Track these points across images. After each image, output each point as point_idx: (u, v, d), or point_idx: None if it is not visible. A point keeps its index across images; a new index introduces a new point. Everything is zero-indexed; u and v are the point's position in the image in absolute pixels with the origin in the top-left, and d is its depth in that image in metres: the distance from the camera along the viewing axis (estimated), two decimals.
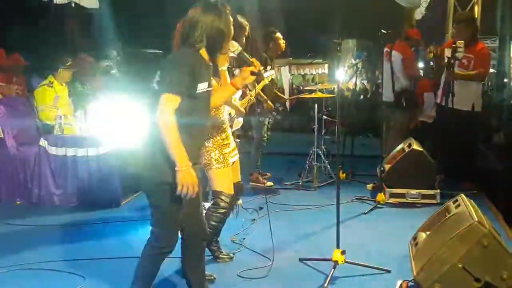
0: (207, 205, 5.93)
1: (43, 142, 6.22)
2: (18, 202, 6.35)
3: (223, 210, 4.23)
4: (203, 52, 3.25)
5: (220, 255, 4.64)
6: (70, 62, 7.12)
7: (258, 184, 7.29)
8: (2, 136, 6.36)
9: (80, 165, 6.17)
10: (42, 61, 7.90)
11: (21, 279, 4.28)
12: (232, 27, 3.31)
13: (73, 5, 10.24)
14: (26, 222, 5.68)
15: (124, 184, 6.25)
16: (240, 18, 5.71)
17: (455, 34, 7.09)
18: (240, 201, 6.25)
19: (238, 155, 4.49)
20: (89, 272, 4.33)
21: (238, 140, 5.95)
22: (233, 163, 4.38)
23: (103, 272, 4.35)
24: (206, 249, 4.43)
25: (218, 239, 4.66)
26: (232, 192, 4.29)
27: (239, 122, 5.52)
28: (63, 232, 5.48)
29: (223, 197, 4.21)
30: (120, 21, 11.51)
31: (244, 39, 5.81)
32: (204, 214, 3.64)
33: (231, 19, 3.30)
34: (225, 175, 4.25)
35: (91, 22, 11.83)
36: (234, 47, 3.37)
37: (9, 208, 6.22)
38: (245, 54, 3.69)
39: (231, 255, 4.69)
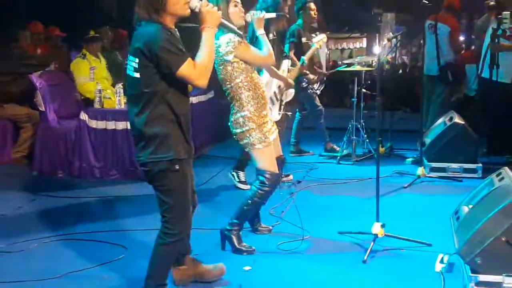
0: (241, 174, 5.98)
1: (83, 116, 6.29)
2: (60, 175, 6.47)
3: (267, 188, 4.19)
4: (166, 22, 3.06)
5: (259, 227, 4.65)
6: (93, 33, 7.15)
7: (335, 154, 7.33)
8: (43, 109, 6.46)
9: (120, 138, 6.24)
10: (77, 35, 7.99)
11: (64, 248, 4.38)
12: None
13: None
14: (67, 194, 5.78)
15: None
16: None
17: (502, 3, 6.86)
18: (291, 176, 6.29)
19: (277, 131, 4.43)
20: (130, 243, 4.41)
21: (289, 113, 5.97)
22: (274, 139, 4.33)
23: (144, 243, 4.40)
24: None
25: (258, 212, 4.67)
26: (277, 171, 4.24)
27: (290, 93, 5.53)
28: (104, 204, 5.57)
29: (268, 175, 4.15)
30: None
31: (287, 8, 5.82)
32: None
33: None
34: (268, 154, 4.18)
35: None
36: (194, 4, 3.19)
37: (51, 180, 6.33)
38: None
39: (270, 227, 4.70)
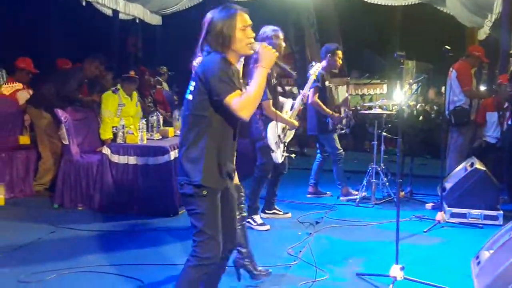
0: (257, 217, 5.94)
1: (106, 150, 6.38)
2: (80, 208, 6.53)
3: None
4: (229, 57, 3.22)
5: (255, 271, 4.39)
6: (133, 73, 7.28)
7: (351, 197, 7.32)
8: (67, 142, 6.56)
9: (141, 174, 6.30)
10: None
11: (81, 280, 4.39)
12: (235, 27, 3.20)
13: (137, 21, 10.63)
14: (87, 228, 5.81)
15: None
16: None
17: None
18: (289, 214, 6.31)
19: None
20: (146, 276, 4.41)
21: (293, 156, 5.95)
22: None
23: (160, 277, 4.42)
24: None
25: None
26: None
27: (291, 133, 5.52)
28: (122, 237, 5.59)
29: None
30: (182, 37, 11.74)
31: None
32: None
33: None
34: None
35: (153, 38, 12.14)
36: (256, 46, 3.27)
37: (72, 213, 6.39)
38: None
39: (269, 270, 4.44)
